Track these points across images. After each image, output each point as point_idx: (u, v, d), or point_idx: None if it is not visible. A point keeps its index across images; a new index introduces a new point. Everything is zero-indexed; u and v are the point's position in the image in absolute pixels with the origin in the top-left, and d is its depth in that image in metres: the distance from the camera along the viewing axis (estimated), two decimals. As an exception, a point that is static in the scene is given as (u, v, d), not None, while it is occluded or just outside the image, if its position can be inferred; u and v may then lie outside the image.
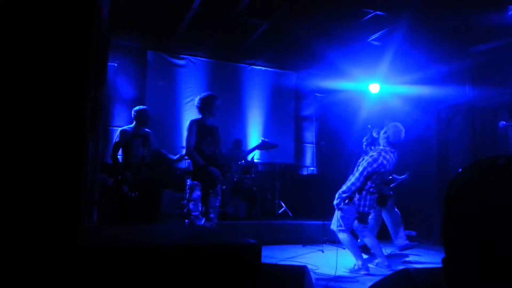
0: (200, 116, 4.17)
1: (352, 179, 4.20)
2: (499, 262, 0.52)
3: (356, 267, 4.20)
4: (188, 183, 4.00)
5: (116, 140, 4.82)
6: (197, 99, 4.18)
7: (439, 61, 6.81)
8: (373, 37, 6.60)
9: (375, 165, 4.12)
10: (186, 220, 3.95)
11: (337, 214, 4.30)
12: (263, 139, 4.39)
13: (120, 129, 5.03)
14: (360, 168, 4.16)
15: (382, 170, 4.16)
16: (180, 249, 1.29)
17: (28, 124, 1.26)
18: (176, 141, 6.84)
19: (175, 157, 5.16)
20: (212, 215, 4.00)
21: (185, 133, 4.13)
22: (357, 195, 4.20)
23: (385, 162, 4.16)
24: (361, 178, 4.11)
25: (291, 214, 6.87)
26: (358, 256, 4.21)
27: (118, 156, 4.82)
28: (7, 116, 1.22)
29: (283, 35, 6.64)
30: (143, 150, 4.83)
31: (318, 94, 8.30)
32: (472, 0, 5.25)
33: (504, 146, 5.68)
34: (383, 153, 4.18)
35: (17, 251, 1.10)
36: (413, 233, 6.97)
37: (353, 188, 4.13)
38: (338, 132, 7.80)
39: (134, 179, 4.66)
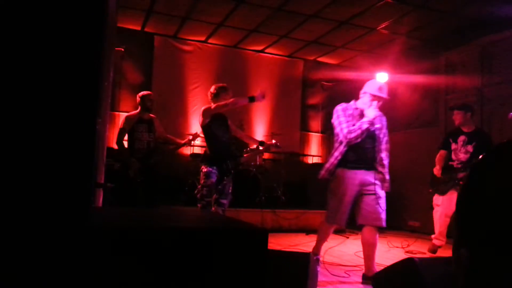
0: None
1: None
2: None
3: None
4: (204, 169, 3.98)
5: (121, 126, 4.83)
6: (212, 88, 4.17)
7: (448, 50, 6.74)
8: (382, 25, 6.52)
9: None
10: (198, 205, 3.97)
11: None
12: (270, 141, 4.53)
13: (125, 115, 5.04)
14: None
15: None
16: (188, 233, 1.29)
17: (38, 107, 1.26)
18: (182, 126, 6.85)
19: (182, 142, 5.15)
20: (224, 201, 4.00)
21: (200, 118, 4.06)
22: None
23: None
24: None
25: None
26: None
27: (124, 142, 4.83)
28: (18, 99, 1.22)
29: (290, 22, 6.58)
30: (148, 136, 4.84)
31: (325, 83, 8.24)
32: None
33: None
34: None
35: (27, 233, 1.11)
36: (417, 223, 6.99)
37: None
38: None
39: (140, 164, 4.68)
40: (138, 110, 4.90)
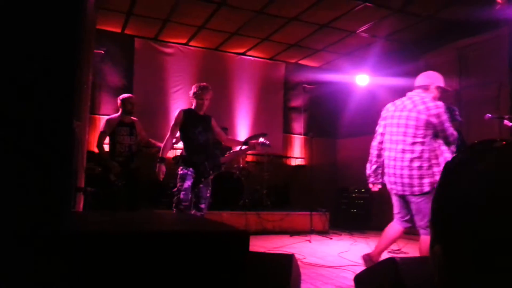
0: (192, 106, 4.15)
1: None
2: (494, 248, 0.51)
3: None
4: (180, 171, 3.94)
5: (102, 129, 4.77)
6: (193, 88, 4.15)
7: (427, 53, 6.86)
8: (362, 28, 6.60)
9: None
10: (174, 210, 3.90)
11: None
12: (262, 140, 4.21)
13: (106, 118, 4.97)
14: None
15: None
16: (167, 236, 1.27)
17: (12, 110, 1.23)
18: (164, 130, 6.76)
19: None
20: (202, 205, 3.94)
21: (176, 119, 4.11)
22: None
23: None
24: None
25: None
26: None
27: (104, 145, 4.76)
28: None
29: (272, 25, 6.60)
30: (130, 139, 4.79)
31: (306, 86, 8.30)
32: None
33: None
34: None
35: (3, 239, 1.08)
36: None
37: None
38: (326, 124, 7.84)
39: (121, 168, 4.62)
40: (119, 113, 4.84)
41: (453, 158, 0.59)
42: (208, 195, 4.01)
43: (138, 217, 1.86)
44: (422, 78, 3.31)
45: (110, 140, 4.75)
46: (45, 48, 1.31)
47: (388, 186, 3.33)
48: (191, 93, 4.13)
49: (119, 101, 4.87)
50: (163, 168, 4.03)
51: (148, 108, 6.74)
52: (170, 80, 7.22)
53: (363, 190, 7.44)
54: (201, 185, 3.91)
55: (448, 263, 0.54)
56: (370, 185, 3.57)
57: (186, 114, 4.09)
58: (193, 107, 4.13)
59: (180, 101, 7.08)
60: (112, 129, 4.72)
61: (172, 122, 4.15)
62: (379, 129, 3.52)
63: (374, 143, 3.55)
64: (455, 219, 0.54)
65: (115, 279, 1.20)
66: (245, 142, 4.25)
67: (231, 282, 1.34)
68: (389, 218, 7.31)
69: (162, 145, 5.01)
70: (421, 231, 3.15)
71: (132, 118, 4.89)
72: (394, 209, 3.40)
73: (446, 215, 0.56)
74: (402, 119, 3.20)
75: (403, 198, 3.24)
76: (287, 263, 2.11)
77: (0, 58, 1.22)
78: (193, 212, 3.93)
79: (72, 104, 1.32)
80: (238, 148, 4.79)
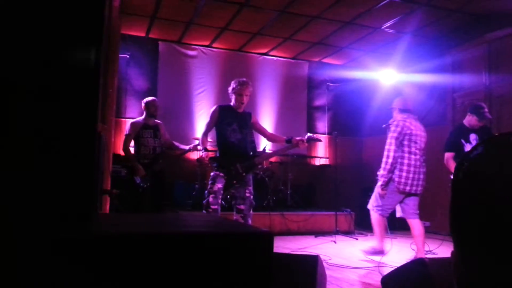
0: (230, 102, 3.99)
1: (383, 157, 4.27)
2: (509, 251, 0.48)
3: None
4: (212, 173, 3.83)
5: (127, 132, 4.84)
6: (232, 83, 3.97)
7: (455, 48, 6.67)
8: (387, 24, 6.48)
9: (399, 129, 4.19)
10: (204, 212, 3.78)
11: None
12: (309, 134, 4.03)
13: (130, 121, 5.05)
14: (388, 141, 4.25)
15: (409, 131, 4.21)
16: (192, 238, 1.27)
17: (38, 113, 1.26)
18: (188, 132, 6.85)
19: (187, 148, 5.16)
20: (242, 207, 3.76)
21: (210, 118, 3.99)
22: (397, 172, 4.22)
23: (407, 124, 4.22)
24: (391, 147, 4.20)
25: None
26: (380, 240, 4.34)
27: (130, 148, 4.84)
28: (18, 104, 1.21)
29: (294, 23, 6.56)
30: (154, 141, 4.85)
31: (330, 84, 8.21)
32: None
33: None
34: (402, 120, 4.25)
35: (28, 240, 1.10)
36: (427, 223, 6.90)
37: (387, 161, 4.23)
38: (351, 122, 7.73)
39: (146, 170, 4.68)
40: (143, 116, 4.92)
41: (467, 153, 0.56)
42: (247, 195, 3.81)
43: (164, 218, 1.87)
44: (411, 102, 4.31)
45: (135, 142, 4.83)
46: (69, 51, 1.33)
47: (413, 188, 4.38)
48: (230, 88, 3.96)
49: (143, 104, 4.95)
50: (207, 154, 3.87)
51: (172, 111, 6.82)
52: (194, 83, 7.28)
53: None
54: (237, 186, 3.78)
55: (466, 267, 0.52)
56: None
57: (222, 110, 3.94)
58: (231, 103, 3.97)
59: (203, 103, 7.13)
60: (136, 132, 4.80)
61: (207, 119, 4.02)
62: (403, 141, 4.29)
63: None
64: (471, 221, 0.51)
65: (142, 279, 1.20)
66: (288, 140, 3.96)
67: (256, 284, 1.33)
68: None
69: (186, 147, 5.07)
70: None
71: (156, 121, 4.96)
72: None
73: (462, 216, 0.53)
74: (423, 137, 4.43)
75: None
76: (312, 264, 2.08)
77: (24, 61, 1.25)
78: (234, 215, 3.81)
79: (96, 107, 1.33)
80: (278, 147, 4.74)
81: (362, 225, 6.78)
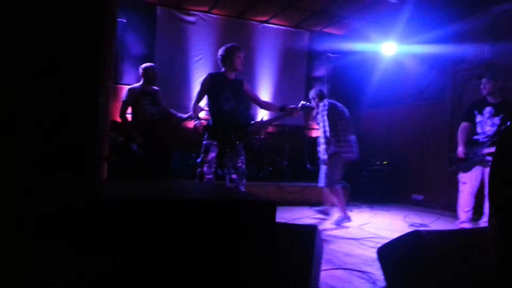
0: (221, 70, 3.88)
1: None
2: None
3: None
4: (204, 142, 3.77)
5: (124, 99, 4.78)
6: (220, 51, 3.86)
7: (457, 20, 6.53)
8: (391, -5, 6.32)
9: (327, 108, 4.79)
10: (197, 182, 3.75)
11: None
12: (303, 102, 3.95)
13: (128, 87, 4.98)
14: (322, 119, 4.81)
15: (335, 108, 4.85)
16: (197, 204, 1.27)
17: (38, 75, 1.22)
18: (185, 100, 6.77)
19: (185, 116, 5.11)
20: (234, 176, 3.72)
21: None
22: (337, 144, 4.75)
23: (331, 102, 4.92)
24: (326, 123, 4.73)
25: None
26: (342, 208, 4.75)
27: (127, 115, 4.79)
28: (18, 68, 1.18)
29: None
30: (152, 108, 4.80)
31: (330, 55, 8.09)
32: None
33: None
34: (326, 101, 4.90)
35: (31, 204, 1.09)
36: (420, 197, 6.99)
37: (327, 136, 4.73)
38: (350, 94, 7.66)
39: (143, 138, 4.65)
40: (141, 83, 4.84)
41: (506, 129, 0.55)
42: (240, 164, 3.76)
43: (165, 185, 1.86)
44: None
45: (132, 109, 4.77)
46: (70, 16, 1.28)
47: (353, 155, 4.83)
48: (218, 55, 3.86)
49: (141, 71, 4.87)
50: (201, 123, 3.84)
51: (169, 78, 6.72)
52: (192, 50, 7.14)
53: (385, 162, 7.35)
54: (230, 155, 3.73)
55: (504, 235, 0.51)
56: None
57: (214, 78, 3.84)
58: (223, 71, 3.86)
59: (201, 71, 7.01)
60: (134, 98, 4.73)
61: (199, 88, 3.90)
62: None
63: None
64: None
65: (146, 244, 1.20)
66: (281, 108, 3.86)
67: (260, 252, 1.34)
68: (409, 191, 7.25)
69: (184, 116, 5.02)
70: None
71: (154, 87, 4.89)
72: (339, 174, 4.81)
73: (503, 188, 0.52)
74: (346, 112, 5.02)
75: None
76: (311, 234, 2.10)
77: (25, 26, 1.20)
78: (226, 184, 3.79)
79: (98, 72, 1.29)
80: (270, 115, 4.87)
81: (357, 198, 6.86)
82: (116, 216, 1.20)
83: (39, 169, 1.13)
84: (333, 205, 4.95)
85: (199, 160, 3.73)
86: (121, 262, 1.21)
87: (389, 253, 2.46)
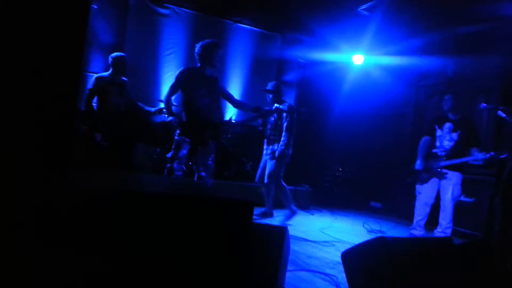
0: (197, 65, 3.81)
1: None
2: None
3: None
4: (175, 137, 3.69)
5: (91, 87, 4.61)
6: (198, 46, 3.80)
7: (423, 35, 6.74)
8: (363, 7, 6.48)
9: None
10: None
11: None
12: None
13: (95, 75, 4.80)
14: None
15: None
16: (177, 200, 1.24)
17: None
18: (153, 93, 6.63)
19: (152, 110, 5.01)
20: (203, 174, 3.67)
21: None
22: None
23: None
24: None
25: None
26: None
27: (93, 104, 4.62)
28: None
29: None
30: (119, 99, 4.67)
31: (301, 60, 8.18)
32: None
33: (478, 128, 5.83)
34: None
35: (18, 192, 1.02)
36: (379, 205, 7.21)
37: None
38: (319, 101, 7.78)
39: (108, 129, 4.51)
40: (109, 72, 4.70)
41: None
42: (209, 163, 3.72)
43: (141, 178, 1.81)
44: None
45: (99, 99, 4.61)
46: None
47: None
48: (196, 50, 3.79)
49: (110, 60, 4.72)
50: (175, 120, 3.74)
51: (138, 70, 6.55)
52: (164, 43, 6.99)
53: (346, 169, 7.52)
54: (200, 152, 3.67)
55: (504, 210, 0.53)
56: None
57: (190, 72, 3.76)
58: (198, 66, 3.80)
59: (172, 65, 6.90)
60: (101, 88, 4.58)
61: (172, 81, 3.80)
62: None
63: None
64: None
65: (127, 236, 1.16)
66: (255, 109, 3.85)
67: (236, 250, 1.32)
68: (368, 198, 7.44)
69: (152, 109, 4.92)
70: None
71: (123, 78, 4.76)
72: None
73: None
74: None
75: None
76: (281, 235, 2.10)
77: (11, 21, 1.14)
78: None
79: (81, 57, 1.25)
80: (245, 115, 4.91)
81: (318, 202, 6.97)
82: (84, 206, 1.15)
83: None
84: (270, 205, 5.14)
85: (169, 155, 3.64)
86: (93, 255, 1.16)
87: (353, 257, 2.51)
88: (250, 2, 6.90)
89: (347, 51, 7.64)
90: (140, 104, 4.91)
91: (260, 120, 4.14)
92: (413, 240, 2.62)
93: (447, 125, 4.44)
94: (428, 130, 4.62)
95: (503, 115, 3.91)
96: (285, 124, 4.84)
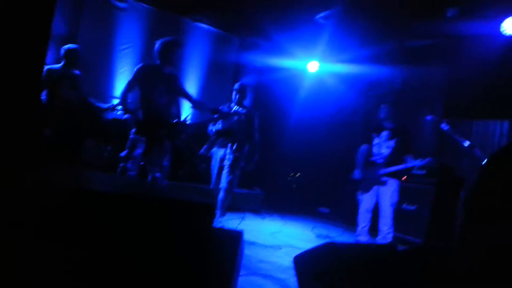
0: (156, 62, 3.71)
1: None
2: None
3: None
4: (131, 136, 3.57)
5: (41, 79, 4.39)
6: (157, 43, 3.70)
7: (375, 46, 7.00)
8: (321, 15, 6.65)
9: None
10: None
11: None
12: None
13: (46, 67, 4.57)
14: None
15: None
16: (136, 200, 1.22)
17: None
18: (107, 89, 6.42)
19: (105, 106, 4.86)
20: (157, 174, 3.59)
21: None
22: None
23: None
24: None
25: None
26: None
27: (42, 97, 4.41)
28: None
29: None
30: (71, 93, 4.48)
31: (258, 65, 8.26)
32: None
33: (422, 139, 6.18)
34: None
35: None
36: (327, 210, 7.42)
37: None
38: (273, 106, 7.89)
39: (57, 123, 4.32)
40: (61, 64, 4.50)
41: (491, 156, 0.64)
42: (165, 163, 3.65)
43: (100, 177, 1.76)
44: None
45: (49, 92, 4.40)
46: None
47: None
48: (156, 47, 3.70)
49: (62, 52, 4.53)
50: (132, 118, 3.60)
51: (91, 64, 6.30)
52: (119, 37, 6.79)
53: (297, 174, 7.68)
54: (154, 152, 3.58)
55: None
56: None
57: (148, 70, 3.65)
58: (157, 63, 3.70)
59: (127, 60, 6.72)
60: (52, 80, 4.37)
61: (130, 77, 3.67)
62: None
63: None
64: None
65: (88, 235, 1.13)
66: (214, 110, 3.79)
67: (195, 255, 1.32)
68: (316, 204, 7.62)
69: (104, 106, 4.76)
70: None
71: (75, 71, 4.57)
72: None
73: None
74: None
75: None
76: (236, 239, 2.12)
77: None
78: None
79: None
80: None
81: (269, 206, 7.06)
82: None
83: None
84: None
85: (123, 154, 3.51)
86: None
87: (304, 262, 2.58)
88: (208, 2, 6.87)
89: (303, 57, 7.80)
90: (91, 99, 4.73)
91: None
92: (360, 246, 2.73)
93: (384, 133, 4.57)
94: (365, 138, 4.75)
95: (446, 127, 4.15)
96: (250, 129, 4.69)
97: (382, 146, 4.55)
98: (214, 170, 4.68)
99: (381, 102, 4.90)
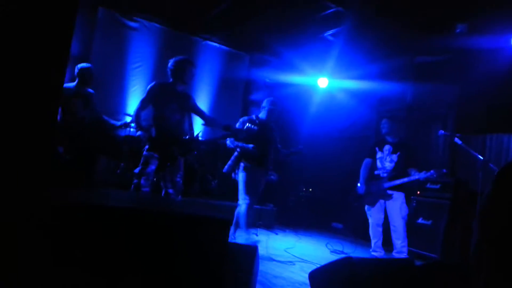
0: (170, 80, 3.77)
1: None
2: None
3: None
4: (144, 153, 3.60)
5: (55, 97, 4.47)
6: (171, 61, 3.77)
7: (385, 62, 7.02)
8: (329, 32, 6.71)
9: None
10: None
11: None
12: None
13: (60, 85, 4.66)
14: None
15: None
16: (152, 215, 1.22)
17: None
18: (118, 106, 6.51)
19: (118, 123, 4.91)
20: (170, 191, 3.60)
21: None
22: None
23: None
24: None
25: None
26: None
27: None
28: None
29: (243, 15, 6.53)
30: (84, 111, 4.54)
31: (268, 80, 8.32)
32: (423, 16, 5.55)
33: (434, 154, 6.12)
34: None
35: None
36: (340, 225, 7.33)
37: None
38: (284, 121, 7.89)
39: (71, 141, 4.37)
40: (75, 83, 4.58)
41: (502, 169, 0.62)
42: (178, 179, 3.66)
43: (115, 194, 1.76)
44: None
45: (62, 110, 4.47)
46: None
47: None
48: (169, 65, 3.75)
49: (77, 70, 4.61)
50: (145, 135, 3.63)
51: (104, 82, 6.43)
52: (131, 56, 6.92)
53: (310, 190, 7.62)
54: (168, 168, 3.61)
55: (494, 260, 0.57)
56: None
57: (162, 88, 3.70)
58: (170, 81, 3.76)
59: (139, 79, 6.82)
60: (65, 99, 4.45)
61: (143, 95, 3.73)
62: None
63: None
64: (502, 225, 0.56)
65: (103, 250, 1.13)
66: (226, 127, 3.85)
67: (212, 268, 1.31)
68: (330, 219, 7.55)
69: (117, 123, 4.80)
70: None
71: (89, 90, 4.65)
72: None
73: (493, 221, 0.58)
74: None
75: None
76: (252, 253, 2.11)
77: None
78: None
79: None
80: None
81: (282, 222, 7.01)
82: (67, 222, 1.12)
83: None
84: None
85: (136, 171, 3.53)
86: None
87: (321, 277, 2.54)
88: (218, 22, 6.98)
89: (313, 73, 7.84)
90: (105, 117, 4.79)
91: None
92: (376, 261, 2.69)
93: (387, 147, 4.63)
94: (369, 152, 4.81)
95: (459, 142, 4.12)
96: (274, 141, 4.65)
97: (386, 160, 4.61)
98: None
99: (383, 116, 4.96)
